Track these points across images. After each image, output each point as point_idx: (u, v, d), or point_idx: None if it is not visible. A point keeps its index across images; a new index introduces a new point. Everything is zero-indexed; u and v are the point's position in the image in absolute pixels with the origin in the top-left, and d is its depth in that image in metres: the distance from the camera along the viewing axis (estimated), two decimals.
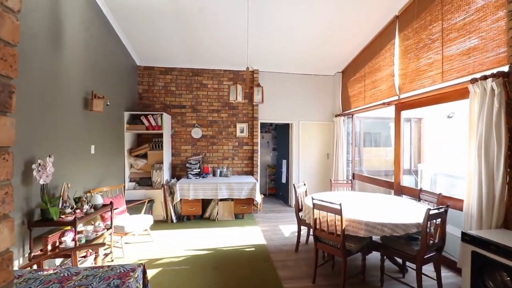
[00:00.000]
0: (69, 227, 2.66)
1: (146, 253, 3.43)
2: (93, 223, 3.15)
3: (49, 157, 2.51)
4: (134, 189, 4.87)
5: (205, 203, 5.00)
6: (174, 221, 4.76)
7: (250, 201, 4.95)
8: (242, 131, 5.74)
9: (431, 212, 2.24)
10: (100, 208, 3.01)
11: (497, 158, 2.38)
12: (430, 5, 3.22)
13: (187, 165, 5.23)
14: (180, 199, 4.71)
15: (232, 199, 4.91)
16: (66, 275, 1.43)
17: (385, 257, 2.69)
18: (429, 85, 3.27)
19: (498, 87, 2.36)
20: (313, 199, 2.64)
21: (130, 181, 5.00)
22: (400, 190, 3.92)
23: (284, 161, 6.34)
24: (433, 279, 2.50)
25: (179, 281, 2.75)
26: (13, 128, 0.74)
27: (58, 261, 2.75)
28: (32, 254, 2.37)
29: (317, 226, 2.64)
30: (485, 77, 2.49)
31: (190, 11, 3.90)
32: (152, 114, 4.90)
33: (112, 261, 3.18)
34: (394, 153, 4.07)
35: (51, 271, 1.47)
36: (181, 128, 5.62)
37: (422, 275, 2.36)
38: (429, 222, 2.26)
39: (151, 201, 4.63)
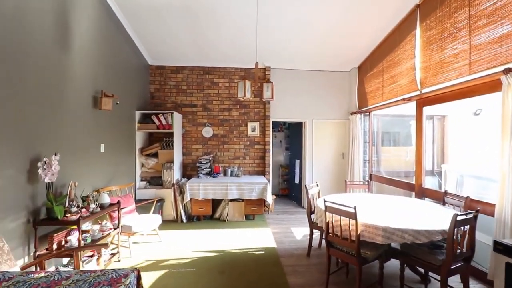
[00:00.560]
0: (75, 226, 2.64)
1: (153, 254, 3.37)
2: (100, 222, 3.12)
3: (55, 155, 2.49)
4: (145, 188, 4.86)
5: (216, 203, 4.91)
6: (184, 221, 4.70)
7: (261, 202, 4.80)
8: (253, 130, 5.60)
9: (459, 217, 2.00)
10: (107, 207, 2.97)
11: None
12: None
13: (198, 164, 5.16)
14: (190, 199, 4.65)
15: (243, 200, 4.79)
16: (56, 279, 1.35)
17: (405, 265, 2.46)
18: (455, 78, 2.98)
19: None
20: (325, 201, 2.46)
21: (141, 180, 4.99)
22: (422, 193, 3.63)
23: (297, 161, 6.14)
24: None
25: (184, 284, 2.65)
26: None
27: (65, 260, 2.74)
28: (37, 253, 2.35)
29: (330, 231, 2.46)
30: None
31: (200, 8, 3.82)
32: (163, 113, 4.87)
33: (119, 261, 3.14)
34: (415, 153, 3.78)
35: (42, 274, 1.40)
36: (192, 127, 5.56)
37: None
38: (456, 229, 2.02)
39: (160, 201, 4.60)
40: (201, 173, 5.10)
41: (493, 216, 2.47)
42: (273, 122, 5.81)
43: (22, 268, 1.95)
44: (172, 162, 4.88)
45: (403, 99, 3.90)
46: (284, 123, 7.25)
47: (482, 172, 3.84)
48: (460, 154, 5.22)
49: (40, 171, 2.34)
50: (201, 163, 5.14)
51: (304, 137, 5.80)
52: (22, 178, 2.31)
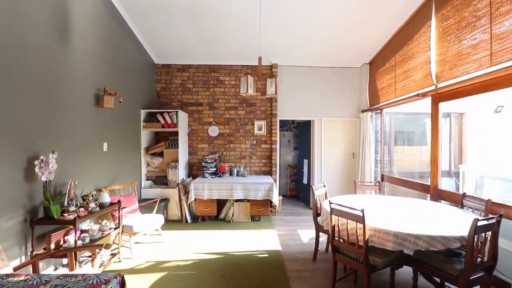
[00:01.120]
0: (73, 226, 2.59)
1: (155, 254, 3.29)
2: (100, 221, 3.07)
3: (53, 153, 2.44)
4: (150, 187, 4.82)
5: (221, 203, 4.81)
6: (189, 221, 4.63)
7: (267, 203, 4.66)
8: (260, 129, 5.47)
9: (480, 222, 1.80)
10: (108, 206, 2.92)
11: None
12: None
13: (203, 164, 5.07)
14: (195, 199, 4.56)
15: (248, 200, 4.66)
16: (35, 283, 1.26)
17: (418, 273, 2.27)
18: (474, 71, 2.75)
19: None
20: (331, 203, 2.30)
21: (147, 179, 4.96)
22: (437, 195, 3.39)
23: (306, 161, 5.96)
24: None
25: (183, 287, 2.56)
26: None
27: (66, 260, 2.70)
28: (34, 253, 2.31)
29: (336, 235, 2.29)
30: None
31: (205, 5, 3.72)
32: (168, 112, 4.82)
33: (119, 261, 3.08)
34: (430, 152, 3.54)
35: (22, 277, 1.32)
36: (198, 126, 5.49)
37: None
38: (476, 235, 1.82)
39: (165, 200, 4.53)
40: (206, 172, 5.02)
41: None
42: (281, 120, 5.66)
43: (15, 269, 1.90)
44: (177, 161, 4.82)
45: (417, 95, 3.66)
46: (293, 121, 7.08)
47: (505, 173, 3.56)
48: (479, 154, 4.90)
49: (37, 169, 2.30)
50: (207, 162, 5.06)
51: (313, 136, 5.62)
52: (19, 176, 2.27)
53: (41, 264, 2.43)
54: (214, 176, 5.00)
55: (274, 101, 5.42)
